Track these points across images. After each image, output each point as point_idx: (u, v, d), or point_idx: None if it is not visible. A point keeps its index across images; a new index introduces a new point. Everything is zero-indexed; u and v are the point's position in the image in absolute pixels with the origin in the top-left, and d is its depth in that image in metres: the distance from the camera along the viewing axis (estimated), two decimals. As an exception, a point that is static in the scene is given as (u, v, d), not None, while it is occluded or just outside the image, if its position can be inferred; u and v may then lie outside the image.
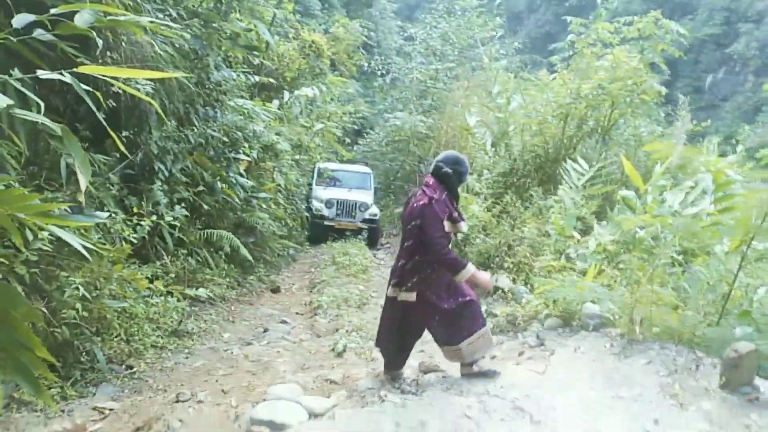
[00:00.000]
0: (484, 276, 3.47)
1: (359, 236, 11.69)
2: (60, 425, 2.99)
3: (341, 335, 5.19)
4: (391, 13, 30.83)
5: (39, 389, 2.86)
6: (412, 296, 3.40)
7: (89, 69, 2.97)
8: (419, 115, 15.62)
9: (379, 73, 20.40)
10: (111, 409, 3.29)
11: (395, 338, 3.56)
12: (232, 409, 3.26)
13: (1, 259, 3.31)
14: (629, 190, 6.27)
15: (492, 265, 6.79)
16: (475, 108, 11.54)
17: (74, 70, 2.86)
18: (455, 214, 3.40)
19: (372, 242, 12.22)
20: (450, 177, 3.45)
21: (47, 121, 2.89)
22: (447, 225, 3.32)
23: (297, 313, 6.62)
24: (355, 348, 4.80)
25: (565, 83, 8.45)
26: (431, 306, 3.40)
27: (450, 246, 3.39)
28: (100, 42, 3.76)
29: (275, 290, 7.72)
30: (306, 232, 11.74)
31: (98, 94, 3.29)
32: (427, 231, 3.28)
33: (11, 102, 2.71)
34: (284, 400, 3.18)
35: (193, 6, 6.03)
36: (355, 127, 16.98)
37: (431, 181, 3.46)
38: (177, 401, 3.40)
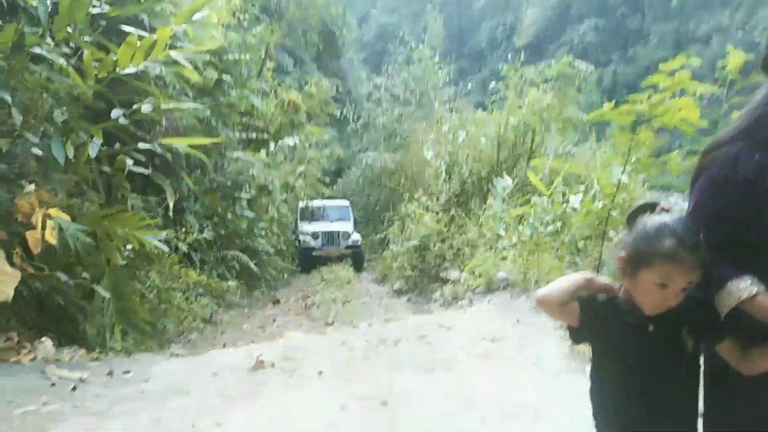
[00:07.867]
0: None
1: (343, 261, 13.48)
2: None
3: (331, 317, 7.01)
4: (359, 62, 33.48)
5: (147, 336, 4.72)
6: None
7: (170, 140, 4.94)
8: (387, 153, 17.77)
9: (351, 119, 22.70)
10: (182, 355, 5.08)
11: None
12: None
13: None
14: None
15: (445, 262, 8.71)
16: (431, 144, 13.70)
17: (161, 141, 4.80)
18: None
19: (357, 266, 13.91)
20: None
21: (144, 171, 4.82)
22: None
23: (296, 313, 8.42)
24: (342, 320, 6.63)
25: (495, 121, 10.66)
26: None
27: None
28: (164, 122, 5.72)
29: (276, 302, 9.52)
30: (297, 263, 13.51)
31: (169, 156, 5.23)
32: None
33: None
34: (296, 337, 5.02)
35: (198, 85, 8.05)
36: (333, 168, 19.04)
37: None
38: (223, 347, 5.21)
